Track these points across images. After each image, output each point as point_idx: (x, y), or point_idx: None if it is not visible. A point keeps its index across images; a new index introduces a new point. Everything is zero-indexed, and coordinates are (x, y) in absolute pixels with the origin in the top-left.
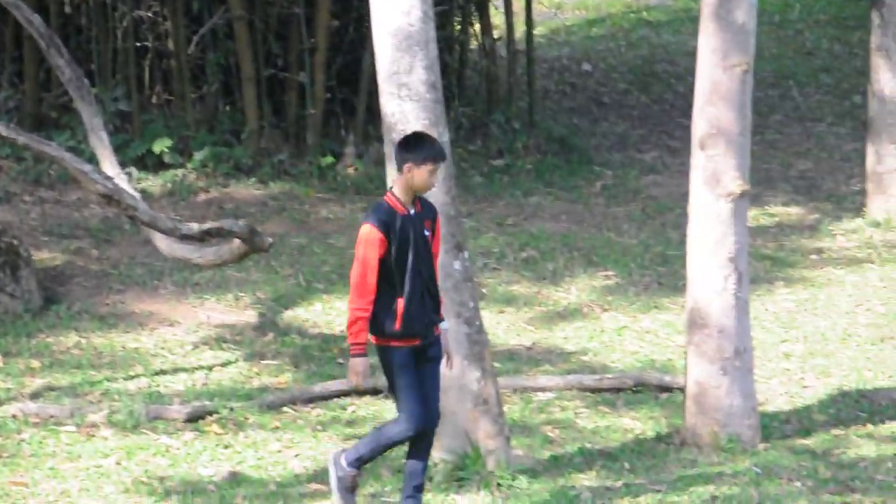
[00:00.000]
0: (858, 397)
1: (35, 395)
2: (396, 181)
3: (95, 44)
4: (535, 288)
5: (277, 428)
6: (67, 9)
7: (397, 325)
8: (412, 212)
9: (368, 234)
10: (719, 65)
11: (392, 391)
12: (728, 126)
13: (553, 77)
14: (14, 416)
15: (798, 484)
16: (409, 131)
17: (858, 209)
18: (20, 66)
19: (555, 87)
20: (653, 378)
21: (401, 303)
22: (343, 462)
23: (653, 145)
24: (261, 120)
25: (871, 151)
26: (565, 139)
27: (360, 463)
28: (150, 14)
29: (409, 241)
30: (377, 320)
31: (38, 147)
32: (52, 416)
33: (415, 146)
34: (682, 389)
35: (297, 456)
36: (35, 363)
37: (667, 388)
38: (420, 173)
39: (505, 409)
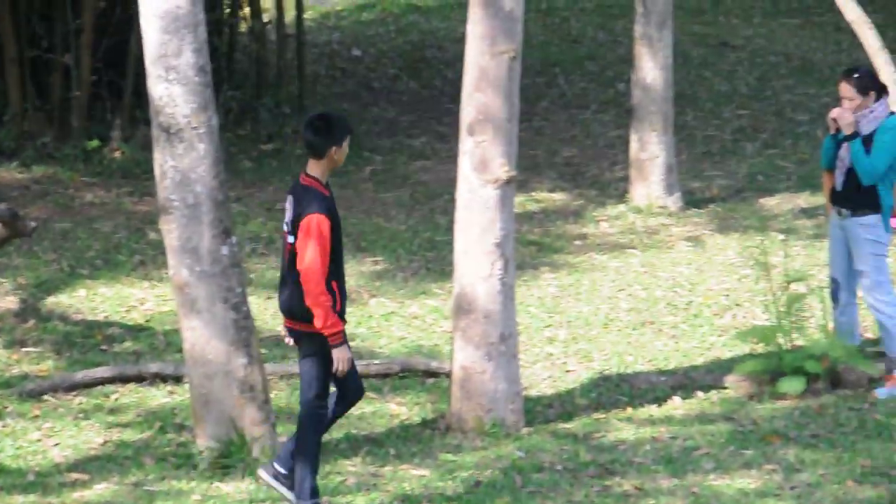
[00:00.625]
0: (619, 381)
1: None
2: (316, 165)
3: None
4: None
5: (37, 416)
6: None
7: (338, 307)
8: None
9: (322, 224)
10: (487, 52)
11: (326, 376)
12: (496, 112)
13: (323, 62)
14: None
15: (560, 467)
16: (177, 115)
17: (622, 195)
18: None
19: (325, 72)
20: (419, 363)
21: (336, 285)
22: None
23: (422, 131)
24: (24, 102)
25: (634, 139)
26: None
27: (313, 491)
28: None
29: (339, 223)
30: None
31: None
32: None
33: (335, 128)
34: (448, 375)
35: (57, 445)
36: None
37: (433, 374)
38: (342, 152)
39: (272, 395)
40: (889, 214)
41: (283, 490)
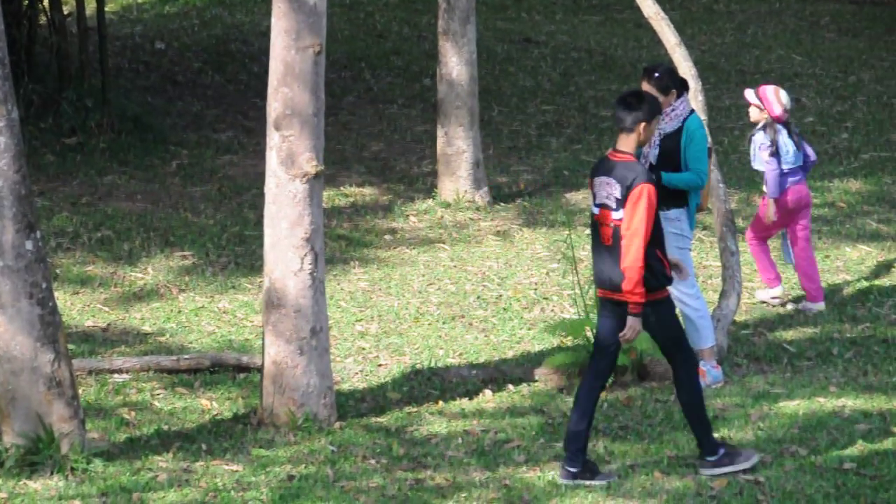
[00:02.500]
0: (431, 375)
1: None
2: (626, 140)
3: None
4: (111, 268)
5: None
6: None
7: (668, 272)
8: None
9: (652, 193)
10: (292, 46)
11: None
12: (302, 107)
13: (126, 55)
14: None
15: (373, 461)
16: None
17: (430, 190)
18: None
19: (128, 66)
20: (230, 358)
21: (659, 253)
22: (711, 467)
23: (228, 125)
24: None
25: (440, 133)
26: (140, 118)
27: (713, 443)
28: None
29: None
30: (653, 273)
31: None
32: None
33: (646, 105)
34: (259, 369)
35: None
36: None
37: (244, 369)
38: (651, 129)
39: (80, 391)
40: (694, 209)
41: (597, 482)
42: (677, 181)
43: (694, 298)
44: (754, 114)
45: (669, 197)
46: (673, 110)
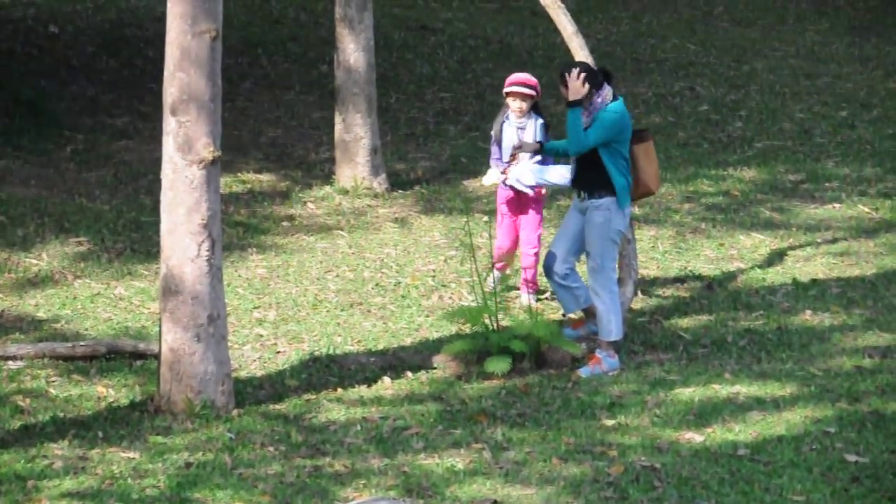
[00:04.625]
0: (329, 362)
1: None
2: None
3: None
4: (5, 254)
5: None
6: None
7: None
8: None
9: None
10: (188, 31)
11: None
12: (199, 93)
13: (19, 38)
14: None
15: (271, 448)
16: None
17: (328, 177)
18: None
19: (21, 49)
20: (127, 345)
21: None
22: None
23: (124, 110)
24: None
25: (338, 120)
26: (33, 102)
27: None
28: None
29: None
30: None
31: None
32: None
33: None
34: (156, 356)
35: None
36: None
37: (141, 355)
38: None
39: None
40: (626, 197)
41: None
42: (573, 127)
43: (607, 292)
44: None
45: (599, 185)
46: (598, 98)
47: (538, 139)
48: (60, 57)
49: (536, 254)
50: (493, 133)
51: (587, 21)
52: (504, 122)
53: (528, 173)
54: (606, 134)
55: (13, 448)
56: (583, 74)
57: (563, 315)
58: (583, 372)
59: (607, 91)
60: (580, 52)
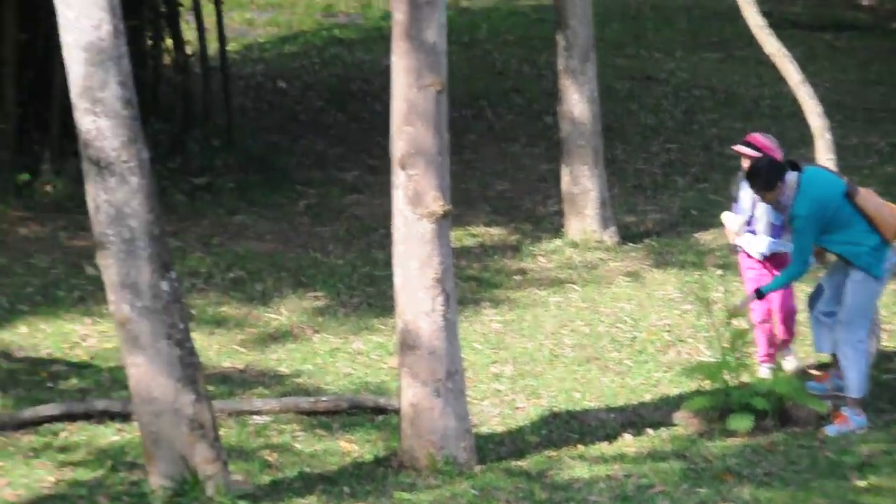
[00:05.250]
0: (568, 418)
1: None
2: None
3: None
4: (245, 309)
5: None
6: None
7: None
8: None
9: None
10: (413, 84)
11: None
12: (426, 146)
13: (249, 94)
14: None
15: None
16: (106, 148)
17: (557, 229)
18: None
19: (251, 105)
20: (368, 400)
21: None
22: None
23: (353, 164)
24: None
25: (565, 172)
26: (265, 157)
27: None
28: None
29: None
30: None
31: None
32: None
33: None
34: (396, 411)
35: (9, 484)
36: None
37: (382, 410)
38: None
39: (221, 433)
40: (881, 257)
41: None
42: (775, 286)
43: (855, 348)
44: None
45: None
46: (785, 192)
47: (770, 219)
48: (289, 112)
49: (785, 321)
50: (732, 193)
51: (813, 69)
52: (741, 181)
53: (761, 245)
54: (808, 236)
55: (264, 502)
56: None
57: (814, 353)
58: (829, 430)
59: (790, 179)
60: (808, 100)
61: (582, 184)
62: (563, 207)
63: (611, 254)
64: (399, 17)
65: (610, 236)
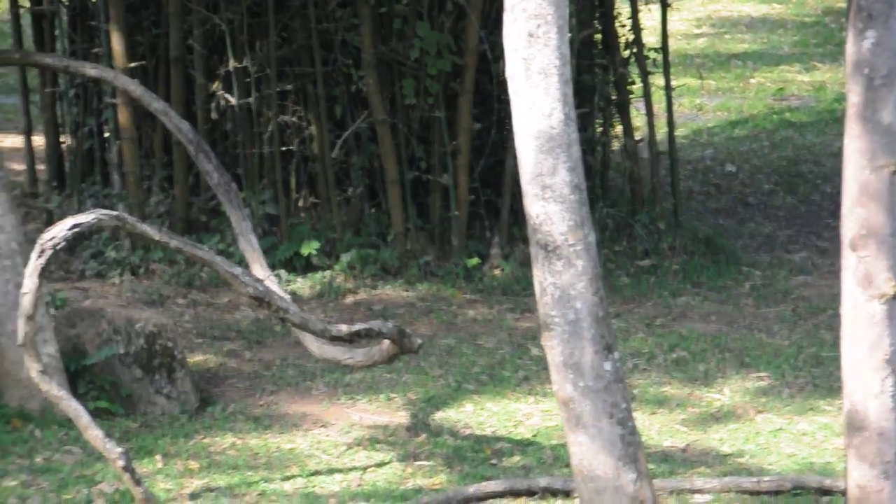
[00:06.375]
0: None
1: (194, 496)
2: None
3: (242, 149)
4: (687, 389)
5: None
6: (214, 115)
7: None
8: None
9: None
10: (867, 166)
11: None
12: (878, 227)
13: (697, 178)
14: None
15: None
16: (554, 233)
17: None
18: (170, 172)
19: (699, 188)
20: (812, 481)
21: None
22: None
23: (801, 246)
24: (406, 222)
25: None
26: (711, 239)
27: None
28: (294, 119)
29: None
30: None
31: (190, 251)
32: None
33: None
34: (842, 493)
35: None
36: (193, 464)
37: (827, 492)
38: None
39: None
40: None
41: None
42: None
43: None
44: None
45: None
46: None
47: None
48: (737, 195)
49: None
50: None
51: None
52: None
53: None
54: None
55: None
56: None
57: None
58: None
59: None
60: None
61: None
62: None
63: None
64: (854, 98)
65: None
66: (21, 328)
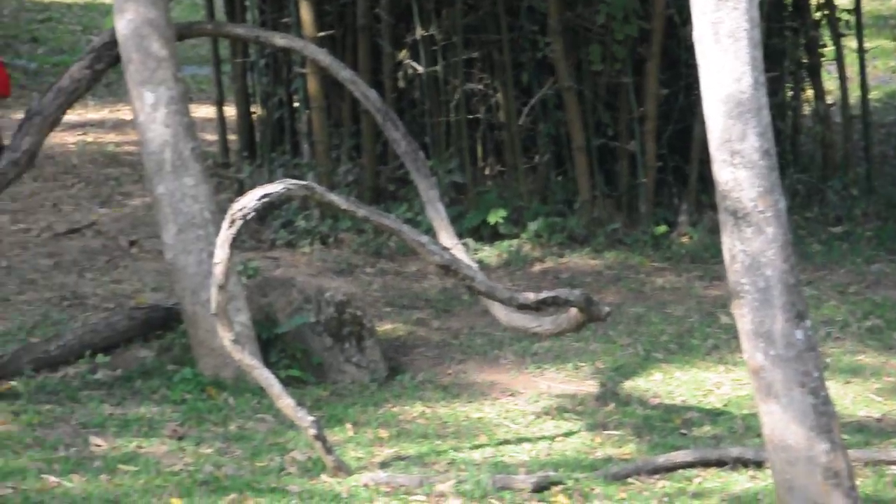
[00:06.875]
0: None
1: (384, 464)
2: None
3: (429, 117)
4: (882, 358)
5: (623, 499)
6: (401, 83)
7: None
8: None
9: None
10: None
11: None
12: None
13: (891, 142)
14: (366, 486)
15: None
16: (743, 199)
17: None
18: (358, 141)
19: (893, 153)
20: None
21: None
22: None
23: None
24: (593, 189)
25: None
26: None
27: None
28: (480, 87)
29: None
30: None
31: (377, 219)
32: (401, 486)
33: None
34: None
35: None
36: (383, 432)
37: None
38: None
39: (857, 482)
40: None
41: None
42: None
43: None
44: None
45: None
46: None
47: None
48: None
49: None
50: None
51: None
52: None
53: None
54: None
55: None
56: None
57: None
58: None
59: None
60: None
61: None
62: None
63: None
64: None
65: None
66: (214, 297)
